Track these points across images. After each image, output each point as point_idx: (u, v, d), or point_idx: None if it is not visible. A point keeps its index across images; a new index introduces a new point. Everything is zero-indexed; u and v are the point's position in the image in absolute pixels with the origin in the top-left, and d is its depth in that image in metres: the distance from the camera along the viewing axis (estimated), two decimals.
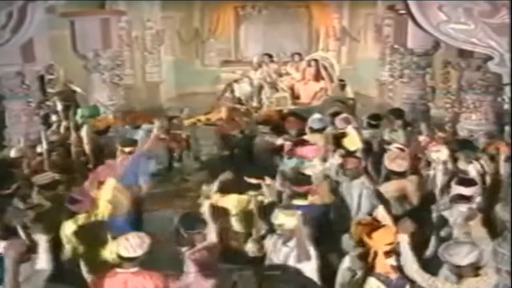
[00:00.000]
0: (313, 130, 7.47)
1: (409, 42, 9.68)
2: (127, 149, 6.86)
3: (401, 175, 5.86)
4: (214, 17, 16.46)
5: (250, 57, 13.64)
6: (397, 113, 8.18)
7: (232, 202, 5.75)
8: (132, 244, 4.14)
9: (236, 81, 11.64)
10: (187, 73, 16.16)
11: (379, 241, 4.23)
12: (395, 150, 6.41)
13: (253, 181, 5.69)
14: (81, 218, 5.12)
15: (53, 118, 8.61)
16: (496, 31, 4.47)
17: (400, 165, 5.87)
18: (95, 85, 10.22)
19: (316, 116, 7.72)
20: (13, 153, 6.97)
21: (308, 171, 5.99)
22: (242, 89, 11.40)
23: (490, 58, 4.60)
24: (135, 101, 12.98)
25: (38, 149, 6.99)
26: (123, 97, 10.89)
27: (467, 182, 5.25)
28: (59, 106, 9.00)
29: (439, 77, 10.60)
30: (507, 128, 7.17)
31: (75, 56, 10.11)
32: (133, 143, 7.09)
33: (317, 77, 11.47)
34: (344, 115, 7.82)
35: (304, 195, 5.31)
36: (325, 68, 11.55)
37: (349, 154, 6.43)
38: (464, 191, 5.06)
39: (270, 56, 12.62)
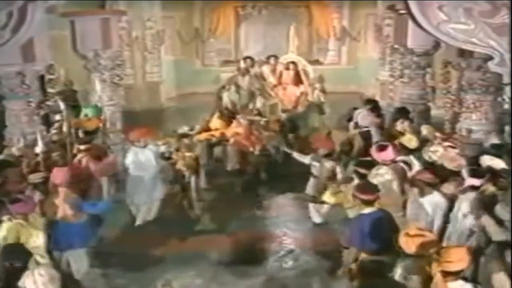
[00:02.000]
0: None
1: (409, 42, 9.66)
2: (82, 147, 7.11)
3: (457, 175, 5.82)
4: (214, 17, 16.48)
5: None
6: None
7: (341, 198, 5.95)
8: (38, 280, 3.78)
9: (223, 87, 10.75)
10: (187, 73, 16.19)
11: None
12: (450, 150, 6.40)
13: (363, 170, 5.93)
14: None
15: (57, 117, 8.61)
16: (496, 31, 4.48)
17: (460, 165, 5.90)
18: (95, 85, 10.22)
19: (364, 112, 8.21)
20: (13, 153, 7.00)
21: (375, 180, 5.83)
22: (230, 97, 10.46)
23: (490, 58, 4.61)
24: (135, 101, 13.00)
25: (36, 150, 6.98)
26: (123, 97, 10.89)
27: (479, 174, 5.47)
28: (62, 106, 8.99)
29: (439, 77, 10.59)
30: (507, 128, 7.18)
31: (75, 56, 10.11)
32: (89, 141, 7.42)
33: (297, 81, 10.76)
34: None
35: (371, 203, 5.13)
36: (304, 72, 11.00)
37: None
38: (476, 182, 5.31)
39: (251, 59, 11.73)
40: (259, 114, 10.04)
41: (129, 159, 7.48)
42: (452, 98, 9.08)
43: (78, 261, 5.84)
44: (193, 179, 8.05)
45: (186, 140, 8.27)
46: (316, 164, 7.17)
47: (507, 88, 4.95)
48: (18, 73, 7.48)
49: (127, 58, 13.10)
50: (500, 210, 4.97)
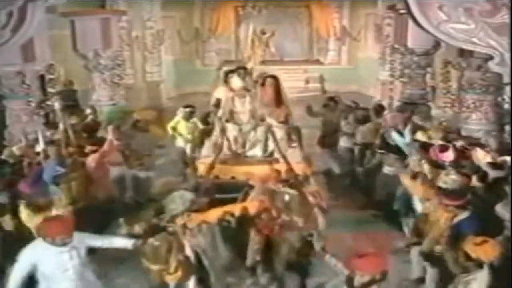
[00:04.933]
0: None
1: (410, 42, 9.68)
2: (94, 148, 6.93)
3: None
4: (214, 16, 16.51)
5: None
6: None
7: None
8: None
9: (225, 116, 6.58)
10: (187, 73, 16.21)
11: None
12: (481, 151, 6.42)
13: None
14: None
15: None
16: (496, 31, 4.48)
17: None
18: (96, 84, 10.24)
19: (393, 113, 8.10)
20: (14, 152, 7.00)
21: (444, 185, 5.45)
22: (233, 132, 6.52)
23: (490, 57, 4.61)
24: (136, 100, 13.01)
25: (37, 148, 6.98)
26: (123, 97, 10.90)
27: (500, 165, 5.62)
28: (57, 106, 8.99)
29: (439, 76, 10.61)
30: (507, 127, 7.19)
31: (75, 55, 10.12)
32: (101, 142, 7.10)
33: (278, 101, 7.12)
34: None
35: (464, 207, 4.91)
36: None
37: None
38: (500, 174, 5.46)
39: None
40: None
41: (21, 265, 4.10)
42: (453, 98, 9.09)
43: None
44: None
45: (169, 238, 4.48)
46: None
47: (507, 88, 4.95)
48: (18, 73, 7.49)
49: (127, 58, 13.12)
50: (500, 209, 4.98)
